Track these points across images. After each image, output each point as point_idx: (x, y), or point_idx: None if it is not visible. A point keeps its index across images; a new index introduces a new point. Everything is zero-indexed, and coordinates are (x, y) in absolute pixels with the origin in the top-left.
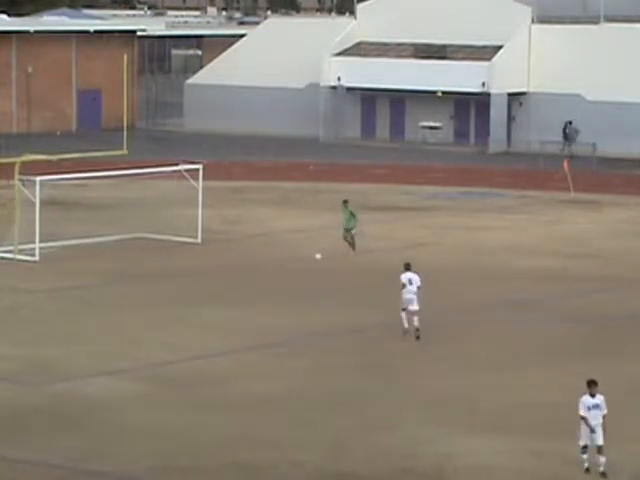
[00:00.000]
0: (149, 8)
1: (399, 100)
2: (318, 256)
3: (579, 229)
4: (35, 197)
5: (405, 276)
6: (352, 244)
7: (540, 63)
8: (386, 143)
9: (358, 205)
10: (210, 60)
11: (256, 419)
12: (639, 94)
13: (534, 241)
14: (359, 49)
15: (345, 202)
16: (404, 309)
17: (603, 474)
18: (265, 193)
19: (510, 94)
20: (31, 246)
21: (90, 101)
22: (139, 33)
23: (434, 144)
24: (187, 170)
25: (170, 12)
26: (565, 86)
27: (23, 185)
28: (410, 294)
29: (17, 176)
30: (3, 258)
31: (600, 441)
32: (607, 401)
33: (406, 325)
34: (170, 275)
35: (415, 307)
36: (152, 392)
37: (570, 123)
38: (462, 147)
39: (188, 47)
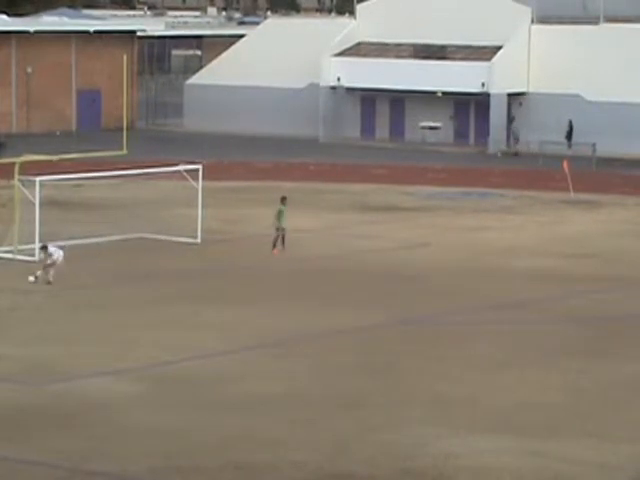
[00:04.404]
0: (149, 8)
1: (399, 100)
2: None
3: (579, 229)
4: (35, 197)
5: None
6: (283, 241)
7: (540, 63)
8: (386, 143)
9: (358, 205)
10: (210, 60)
11: (256, 419)
12: (639, 94)
13: (534, 241)
14: (359, 49)
15: (284, 199)
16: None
17: None
18: (265, 193)
19: (510, 94)
20: (31, 246)
21: (90, 101)
22: (139, 33)
23: (434, 144)
24: (187, 170)
25: (170, 12)
26: (565, 86)
27: (23, 185)
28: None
29: (17, 176)
30: (3, 258)
31: None
32: (607, 401)
33: (51, 279)
34: (170, 275)
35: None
36: (152, 392)
37: (512, 120)
38: (462, 147)
39: (188, 47)
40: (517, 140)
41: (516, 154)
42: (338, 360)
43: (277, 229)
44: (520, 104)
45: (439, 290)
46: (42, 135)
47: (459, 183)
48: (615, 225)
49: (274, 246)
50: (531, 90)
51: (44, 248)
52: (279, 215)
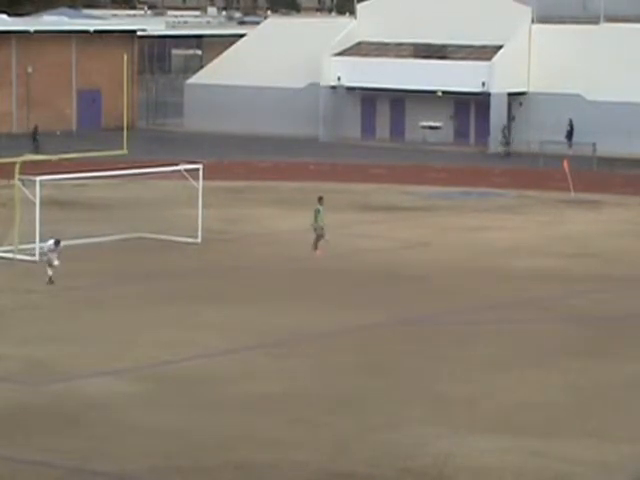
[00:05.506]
0: (149, 8)
1: (399, 100)
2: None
3: (579, 229)
4: (35, 197)
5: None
6: (317, 240)
7: (540, 63)
8: (386, 143)
9: (358, 205)
10: (210, 60)
11: (256, 419)
12: (639, 94)
13: (534, 241)
14: (359, 49)
15: (321, 199)
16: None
17: None
18: (265, 193)
19: (510, 94)
20: (31, 246)
21: (90, 101)
22: (139, 33)
23: (434, 144)
24: (187, 170)
25: (170, 12)
26: (565, 86)
27: (23, 185)
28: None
29: (17, 176)
30: (3, 258)
31: None
32: (607, 401)
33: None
34: (170, 275)
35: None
36: (152, 392)
37: (504, 128)
38: (462, 147)
39: (188, 47)
40: (508, 143)
41: (509, 154)
42: (338, 360)
43: (315, 229)
44: (520, 104)
45: (439, 290)
46: (42, 135)
47: (459, 183)
48: (615, 225)
49: (315, 247)
50: (531, 90)
51: (57, 243)
52: (316, 215)
